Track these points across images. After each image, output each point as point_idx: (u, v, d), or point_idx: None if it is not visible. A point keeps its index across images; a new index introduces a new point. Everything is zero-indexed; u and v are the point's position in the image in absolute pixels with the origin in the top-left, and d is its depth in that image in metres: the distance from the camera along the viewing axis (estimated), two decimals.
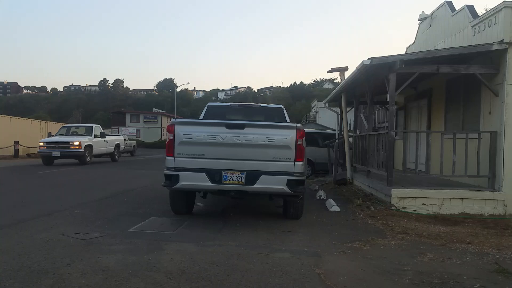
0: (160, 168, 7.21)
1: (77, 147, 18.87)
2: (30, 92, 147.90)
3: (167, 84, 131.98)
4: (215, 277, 4.08)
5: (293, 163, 6.24)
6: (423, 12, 12.58)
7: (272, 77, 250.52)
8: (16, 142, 25.42)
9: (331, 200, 8.94)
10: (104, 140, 21.18)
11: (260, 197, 8.34)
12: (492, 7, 8.24)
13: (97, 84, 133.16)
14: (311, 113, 51.44)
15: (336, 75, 35.64)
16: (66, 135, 20.82)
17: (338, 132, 15.17)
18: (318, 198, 9.74)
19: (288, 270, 4.35)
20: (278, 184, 6.20)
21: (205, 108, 9.06)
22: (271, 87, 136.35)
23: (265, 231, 6.24)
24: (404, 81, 8.51)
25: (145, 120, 68.63)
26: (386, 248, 5.41)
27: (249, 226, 6.57)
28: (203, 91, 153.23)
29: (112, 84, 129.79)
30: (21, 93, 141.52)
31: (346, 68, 13.65)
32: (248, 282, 3.97)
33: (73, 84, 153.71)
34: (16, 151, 25.34)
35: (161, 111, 78.69)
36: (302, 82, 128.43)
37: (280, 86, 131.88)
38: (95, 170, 18.06)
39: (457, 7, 10.12)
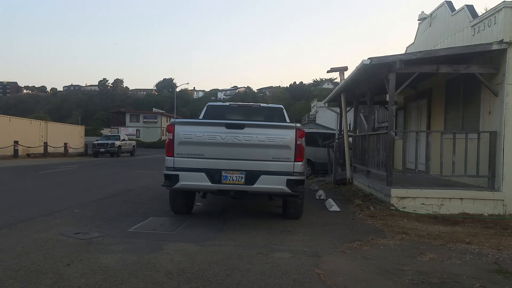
0: (160, 168, 7.21)
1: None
2: (30, 92, 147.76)
3: (167, 84, 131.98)
4: (214, 277, 4.08)
5: (292, 163, 6.24)
6: (422, 12, 12.58)
7: (271, 77, 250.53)
8: (16, 142, 25.42)
9: (330, 200, 8.94)
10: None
11: (259, 197, 8.34)
12: (492, 7, 8.24)
13: (97, 84, 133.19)
14: (310, 113, 51.46)
15: (335, 75, 35.65)
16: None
17: (338, 132, 15.18)
18: (317, 198, 9.74)
19: (288, 270, 4.35)
20: (277, 184, 6.20)
21: (205, 108, 9.05)
22: (271, 87, 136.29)
23: (265, 231, 6.24)
24: (404, 81, 8.51)
25: (144, 120, 68.56)
26: (386, 248, 5.41)
27: (249, 226, 6.57)
28: (203, 91, 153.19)
29: (111, 84, 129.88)
30: (20, 93, 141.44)
31: (345, 68, 13.66)
32: (248, 282, 3.96)
33: (73, 84, 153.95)
34: (15, 151, 25.35)
35: (160, 111, 78.65)
36: (301, 82, 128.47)
37: (279, 86, 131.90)
38: (95, 170, 18.07)
39: (457, 7, 10.13)
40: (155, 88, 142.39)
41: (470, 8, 9.23)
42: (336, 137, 14.92)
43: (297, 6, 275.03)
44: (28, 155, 26.88)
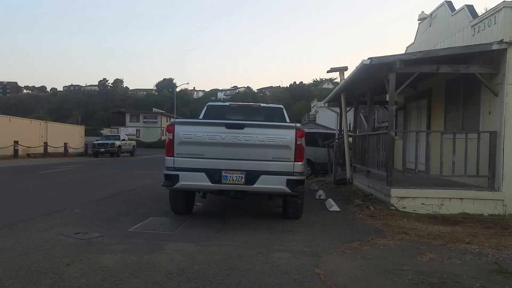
0: (160, 168, 7.21)
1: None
2: (30, 92, 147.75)
3: (167, 84, 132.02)
4: (214, 277, 4.08)
5: (292, 163, 6.24)
6: (422, 12, 12.58)
7: (271, 77, 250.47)
8: (16, 142, 25.42)
9: (330, 200, 8.94)
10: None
11: (259, 197, 8.34)
12: (492, 7, 8.24)
13: (97, 84, 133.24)
14: (310, 113, 51.47)
15: (335, 75, 35.71)
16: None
17: (338, 132, 15.18)
18: (317, 198, 9.74)
19: (288, 270, 4.35)
20: (277, 184, 6.20)
21: (205, 108, 9.05)
22: (271, 87, 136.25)
23: (265, 231, 6.24)
24: (404, 81, 8.51)
25: (144, 120, 68.56)
26: (386, 248, 5.41)
27: (249, 226, 6.57)
28: (203, 91, 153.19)
29: (111, 84, 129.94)
30: (20, 93, 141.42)
31: (345, 68, 13.66)
32: (248, 282, 3.96)
33: (73, 84, 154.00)
34: (15, 151, 25.36)
35: (160, 111, 78.65)
36: (301, 82, 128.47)
37: (279, 86, 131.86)
38: (95, 170, 18.07)
39: (457, 7, 10.13)
40: (155, 88, 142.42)
41: (470, 8, 9.23)
42: (336, 137, 14.92)
43: (297, 6, 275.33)
44: (28, 155, 26.88)
